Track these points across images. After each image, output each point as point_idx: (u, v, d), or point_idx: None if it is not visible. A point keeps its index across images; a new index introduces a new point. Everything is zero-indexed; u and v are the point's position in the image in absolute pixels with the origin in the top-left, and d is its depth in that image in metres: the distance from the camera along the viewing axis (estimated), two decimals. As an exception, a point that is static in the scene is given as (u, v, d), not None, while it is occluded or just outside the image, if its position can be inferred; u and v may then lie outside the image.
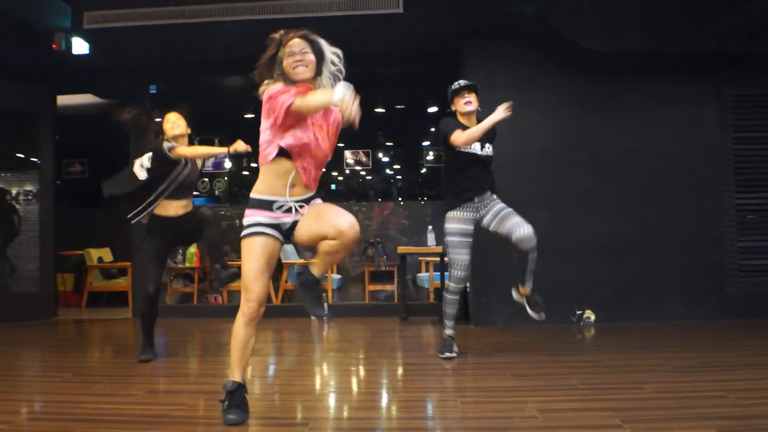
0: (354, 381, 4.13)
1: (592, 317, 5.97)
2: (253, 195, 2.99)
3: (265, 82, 2.98)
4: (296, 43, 2.94)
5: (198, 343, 5.38)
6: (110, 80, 7.39)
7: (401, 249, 6.89)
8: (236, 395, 2.98)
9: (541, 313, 4.48)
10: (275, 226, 2.95)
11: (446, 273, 7.25)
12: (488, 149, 4.61)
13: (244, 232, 2.95)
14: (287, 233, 3.00)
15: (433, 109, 8.91)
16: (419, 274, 8.32)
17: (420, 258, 8.40)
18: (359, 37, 6.22)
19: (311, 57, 2.94)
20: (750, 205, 6.16)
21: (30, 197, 7.38)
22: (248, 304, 2.91)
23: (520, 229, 4.39)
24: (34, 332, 6.26)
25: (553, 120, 6.04)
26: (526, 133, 6.00)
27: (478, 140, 4.51)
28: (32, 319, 6.88)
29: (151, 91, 7.49)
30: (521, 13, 5.66)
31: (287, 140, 2.91)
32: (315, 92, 2.85)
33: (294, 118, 2.88)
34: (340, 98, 2.65)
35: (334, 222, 2.84)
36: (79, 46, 6.17)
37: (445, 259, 5.25)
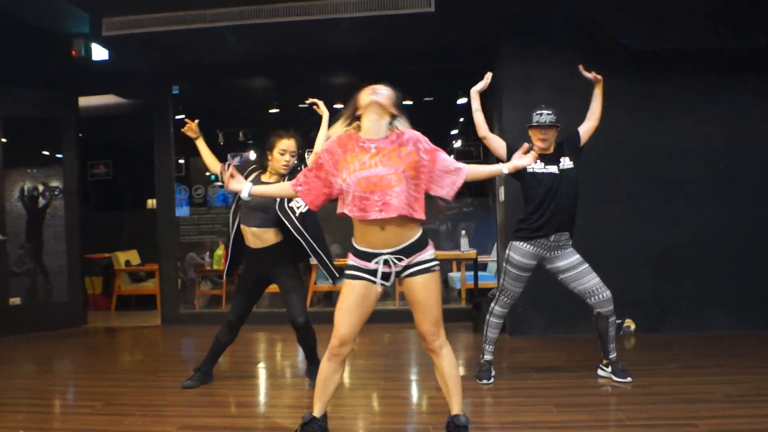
0: (377, 410, 3.98)
1: (633, 326, 5.78)
2: (354, 244, 2.97)
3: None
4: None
5: (230, 359, 5.26)
6: (132, 82, 7.28)
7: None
8: (307, 428, 2.99)
9: (627, 377, 4.22)
10: (374, 272, 2.90)
11: (479, 273, 7.15)
12: (566, 163, 4.25)
13: (345, 272, 2.99)
14: (392, 276, 2.95)
15: (462, 101, 8.66)
16: (450, 274, 8.09)
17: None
18: (389, 36, 6.04)
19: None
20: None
21: (57, 192, 7.32)
22: (332, 339, 2.94)
23: (600, 293, 4.19)
24: (65, 345, 6.27)
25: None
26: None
27: (549, 154, 4.22)
28: (62, 327, 6.89)
29: (174, 92, 7.38)
30: (562, 11, 5.42)
31: (340, 209, 2.93)
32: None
33: (325, 196, 3.00)
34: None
35: (423, 329, 2.92)
36: (99, 53, 6.06)
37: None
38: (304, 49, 6.35)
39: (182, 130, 4.51)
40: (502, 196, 6.05)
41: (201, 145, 4.51)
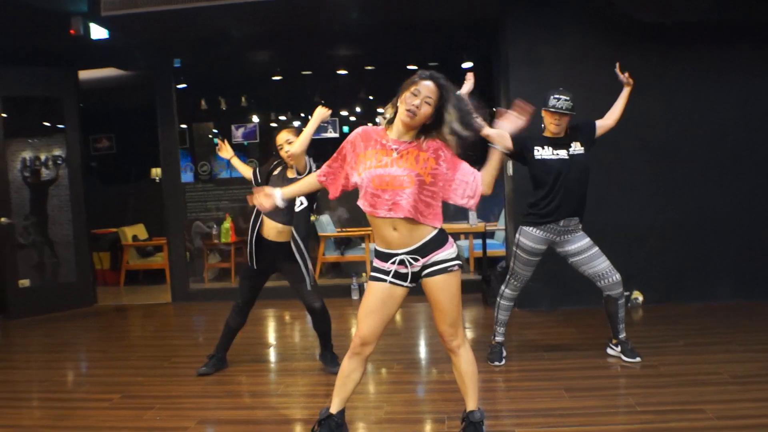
0: (390, 398, 3.96)
1: (641, 298, 5.82)
2: (375, 246, 2.99)
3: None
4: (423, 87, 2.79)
5: (242, 341, 5.22)
6: (132, 56, 7.17)
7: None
8: (324, 425, 3.00)
9: (636, 357, 4.27)
10: (396, 274, 2.91)
11: (488, 241, 7.17)
12: (577, 148, 4.16)
13: (370, 274, 3.01)
14: (415, 277, 2.94)
15: (467, 65, 8.53)
16: (457, 242, 8.10)
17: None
18: (394, 8, 5.92)
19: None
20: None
21: (59, 162, 7.28)
22: (354, 339, 2.95)
23: (610, 276, 4.20)
24: (77, 328, 6.30)
25: (600, 97, 5.66)
26: (570, 110, 5.71)
27: (559, 138, 4.14)
28: (73, 308, 6.94)
29: (175, 65, 7.28)
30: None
31: (360, 203, 2.90)
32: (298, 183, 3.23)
33: (342, 187, 3.01)
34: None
35: (441, 329, 2.94)
36: (98, 32, 5.96)
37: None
38: (308, 20, 6.22)
39: (216, 150, 4.77)
40: (510, 170, 6.01)
41: (236, 162, 4.71)
